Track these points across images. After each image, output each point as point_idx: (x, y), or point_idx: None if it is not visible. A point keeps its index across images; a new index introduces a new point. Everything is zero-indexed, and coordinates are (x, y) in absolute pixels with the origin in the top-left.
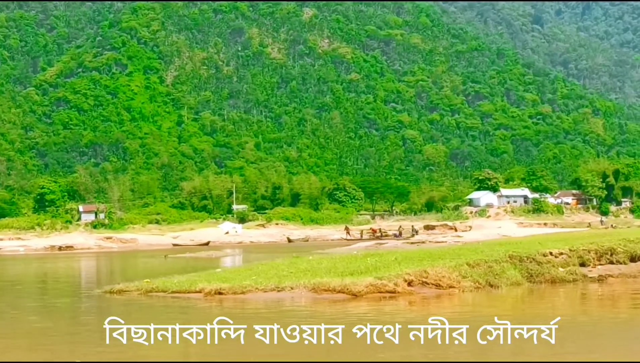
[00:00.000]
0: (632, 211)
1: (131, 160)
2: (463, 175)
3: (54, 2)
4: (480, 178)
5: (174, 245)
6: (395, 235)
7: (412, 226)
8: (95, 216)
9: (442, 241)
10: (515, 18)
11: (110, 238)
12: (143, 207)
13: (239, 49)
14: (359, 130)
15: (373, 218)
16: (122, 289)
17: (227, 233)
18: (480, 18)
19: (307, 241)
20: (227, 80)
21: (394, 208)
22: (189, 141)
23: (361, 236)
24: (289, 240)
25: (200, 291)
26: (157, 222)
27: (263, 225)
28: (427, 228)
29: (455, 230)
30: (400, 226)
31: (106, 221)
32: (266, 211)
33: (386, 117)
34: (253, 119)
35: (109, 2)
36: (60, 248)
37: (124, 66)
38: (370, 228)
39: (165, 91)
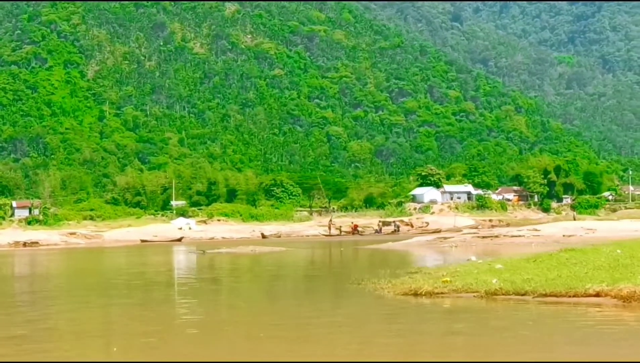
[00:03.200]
0: (573, 207)
1: (52, 156)
2: (388, 172)
3: None
4: (422, 174)
5: (143, 241)
6: (376, 231)
7: (394, 221)
8: (30, 212)
9: (518, 235)
10: (434, 15)
11: (74, 233)
12: (76, 203)
13: (161, 43)
14: (283, 126)
15: (311, 214)
16: (434, 291)
17: (180, 228)
18: (400, 15)
19: (280, 237)
20: (149, 75)
21: (331, 204)
22: (111, 137)
23: (339, 232)
24: (263, 236)
25: (600, 294)
26: (92, 218)
27: (204, 221)
28: (383, 224)
29: (412, 226)
30: (379, 222)
31: (40, 217)
32: (201, 207)
33: (310, 114)
34: (176, 114)
35: None
36: (25, 244)
37: (43, 60)
38: (353, 224)
39: (87, 85)
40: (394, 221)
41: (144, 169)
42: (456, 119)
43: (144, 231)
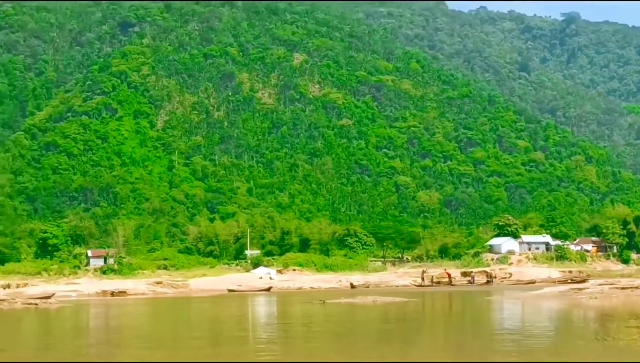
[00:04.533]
0: None
1: (122, 205)
2: (458, 222)
3: (43, 46)
4: (500, 224)
5: (230, 290)
6: (469, 282)
7: (488, 272)
8: (105, 261)
9: None
10: (502, 65)
11: (160, 282)
12: (149, 252)
13: (230, 93)
14: (351, 176)
15: (384, 264)
16: None
17: (261, 278)
18: (468, 65)
19: (368, 287)
20: (217, 125)
21: (404, 254)
22: (180, 186)
23: (431, 282)
24: (352, 286)
25: None
26: (166, 268)
27: (280, 271)
28: (464, 274)
29: (494, 277)
30: (472, 272)
31: (115, 266)
32: (274, 256)
33: (378, 163)
34: (244, 164)
35: (99, 45)
36: (112, 294)
37: (114, 110)
38: (446, 272)
39: (156, 135)
40: (472, 272)
41: (216, 218)
42: (526, 169)
43: (227, 280)
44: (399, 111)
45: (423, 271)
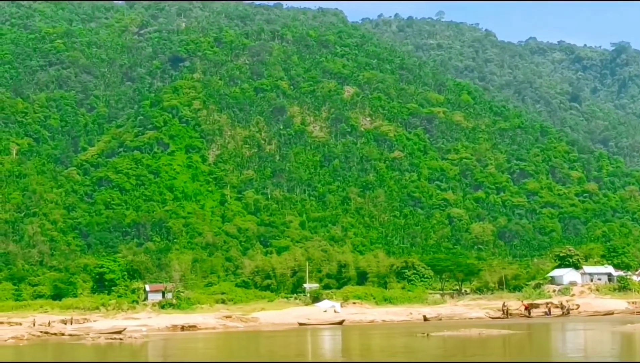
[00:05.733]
0: None
1: (175, 240)
2: (512, 254)
3: (94, 81)
4: (561, 254)
5: (301, 324)
6: (545, 313)
7: (565, 302)
8: (163, 296)
9: None
10: (552, 96)
11: (229, 316)
12: (206, 286)
13: (281, 127)
14: (403, 208)
15: (442, 296)
16: None
17: (325, 311)
18: (518, 96)
19: (441, 319)
20: (269, 158)
21: (462, 286)
22: (233, 221)
23: (506, 314)
24: (425, 319)
25: None
26: (223, 302)
27: (340, 305)
28: (532, 306)
29: (562, 308)
30: (548, 304)
31: (174, 300)
32: (332, 289)
33: (431, 196)
34: (297, 198)
35: (150, 80)
36: (182, 328)
37: (165, 145)
38: (524, 304)
39: (208, 169)
40: (547, 304)
41: (269, 252)
42: (579, 200)
43: (293, 313)
44: (450, 142)
45: (504, 304)
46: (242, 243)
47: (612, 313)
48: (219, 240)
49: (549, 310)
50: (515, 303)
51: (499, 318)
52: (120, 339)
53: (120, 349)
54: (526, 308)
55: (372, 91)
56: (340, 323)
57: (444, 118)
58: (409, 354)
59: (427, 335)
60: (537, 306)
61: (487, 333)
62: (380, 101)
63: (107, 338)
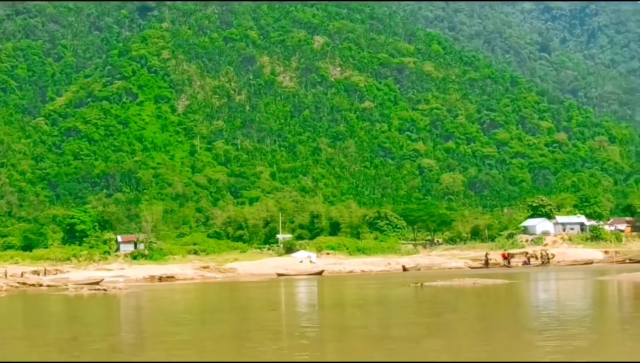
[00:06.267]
0: None
1: (144, 191)
2: (482, 204)
3: (61, 31)
4: (534, 204)
5: (279, 274)
6: (524, 263)
7: (544, 251)
8: (135, 247)
9: None
10: (522, 46)
11: (207, 267)
12: (178, 237)
13: (251, 77)
14: (374, 159)
15: (415, 247)
16: None
17: (301, 262)
18: (488, 46)
19: (420, 269)
20: (239, 109)
21: (435, 236)
22: (202, 171)
23: (486, 263)
24: (404, 268)
25: None
26: (196, 252)
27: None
28: (511, 256)
29: (542, 258)
30: (528, 253)
31: (146, 251)
32: (304, 240)
33: (401, 146)
34: (267, 148)
35: (117, 29)
36: (160, 279)
37: (134, 95)
38: (503, 254)
39: (177, 120)
40: (526, 253)
41: (239, 202)
42: (549, 150)
43: (271, 264)
44: (421, 93)
45: (486, 253)
46: (213, 194)
47: (592, 262)
48: (189, 190)
49: (529, 259)
50: (494, 253)
51: (478, 268)
52: (104, 290)
53: (108, 300)
54: (505, 258)
55: (342, 41)
56: (320, 273)
57: (414, 68)
58: (419, 305)
59: (422, 285)
60: (513, 256)
61: (481, 283)
62: (351, 51)
63: (90, 289)
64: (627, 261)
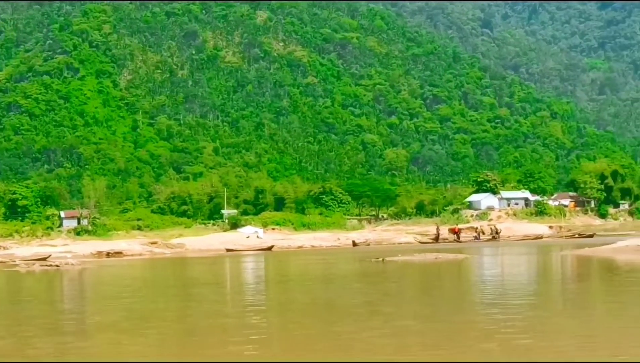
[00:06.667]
0: (631, 213)
1: (86, 166)
2: (425, 179)
3: (1, 4)
4: (478, 180)
5: (228, 250)
6: (475, 238)
7: (493, 226)
8: (78, 222)
9: None
10: (464, 22)
11: (155, 243)
12: (122, 213)
13: (193, 52)
14: (317, 134)
15: (360, 222)
16: None
17: (248, 237)
18: (431, 22)
19: (369, 244)
20: (182, 84)
21: (380, 212)
22: (145, 146)
23: (436, 238)
24: (354, 244)
25: None
26: (140, 228)
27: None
28: (452, 231)
29: (483, 233)
30: (478, 227)
31: (89, 227)
32: (249, 215)
33: (345, 122)
34: (210, 123)
35: (58, 3)
36: (108, 254)
37: (75, 70)
38: (454, 229)
39: (119, 95)
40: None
41: (189, 177)
42: (492, 126)
43: (218, 239)
44: (364, 68)
45: (437, 227)
46: (155, 169)
47: (542, 237)
48: (131, 166)
49: (479, 234)
50: (442, 228)
51: (428, 242)
52: (57, 266)
53: (63, 276)
54: (455, 233)
55: (285, 16)
56: (270, 249)
57: (357, 44)
58: (392, 283)
59: (383, 260)
60: (461, 230)
61: (443, 258)
62: (294, 26)
63: (42, 266)
64: (577, 236)
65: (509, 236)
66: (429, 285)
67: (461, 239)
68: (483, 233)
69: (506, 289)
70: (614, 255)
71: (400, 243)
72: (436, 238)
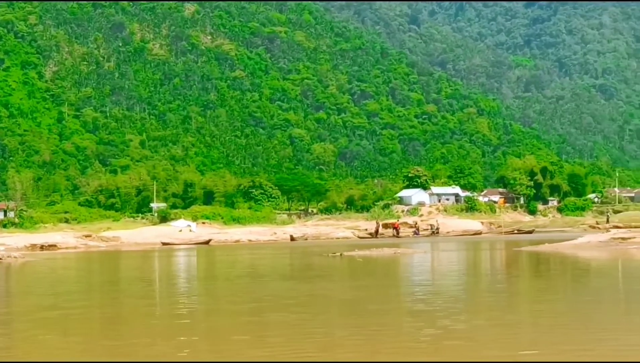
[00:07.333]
0: (559, 210)
1: (10, 158)
2: (353, 175)
3: None
4: (409, 175)
5: (164, 243)
6: (414, 233)
7: (435, 222)
8: (5, 215)
9: None
10: (392, 18)
11: (89, 236)
12: (49, 205)
13: (120, 44)
14: (245, 128)
15: (290, 216)
16: None
17: (180, 231)
18: (358, 17)
19: (307, 239)
20: (108, 76)
21: (310, 206)
22: (71, 139)
23: (376, 234)
24: (292, 238)
25: None
26: (67, 221)
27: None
28: (385, 226)
29: (431, 228)
30: (416, 223)
31: (16, 219)
32: (178, 209)
33: (272, 116)
34: (136, 116)
35: None
36: (42, 247)
37: (0, 61)
38: (394, 224)
39: (45, 86)
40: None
41: (117, 171)
42: (419, 122)
43: (152, 233)
44: (292, 63)
45: (377, 222)
46: (81, 162)
47: (481, 233)
48: (57, 158)
49: (417, 229)
50: (370, 224)
51: (366, 237)
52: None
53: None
54: (395, 228)
55: (213, 9)
56: (207, 242)
57: (285, 38)
58: (364, 279)
59: (341, 255)
60: (388, 226)
61: (401, 252)
62: (222, 20)
63: None
64: (516, 231)
65: (447, 232)
66: (408, 280)
67: (400, 234)
68: (430, 228)
69: (499, 284)
70: (577, 252)
71: (338, 238)
72: (375, 233)
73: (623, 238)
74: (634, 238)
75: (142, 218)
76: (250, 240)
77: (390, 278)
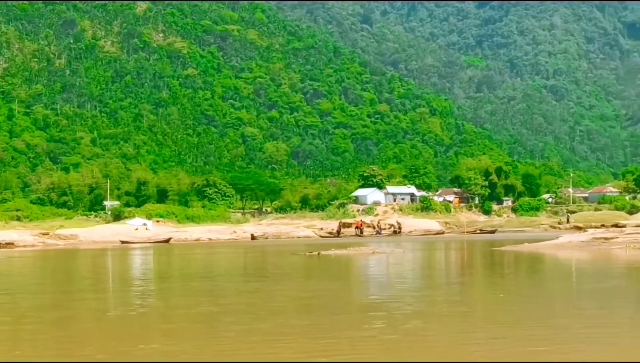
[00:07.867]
0: (514, 209)
1: None
2: (305, 174)
3: None
4: (365, 174)
5: (123, 242)
6: (377, 232)
7: (396, 222)
8: None
9: None
10: (344, 17)
11: (47, 233)
12: (0, 203)
13: (71, 41)
14: (197, 126)
15: (244, 215)
16: None
17: (136, 229)
18: (311, 16)
19: (267, 238)
20: (59, 73)
21: (264, 205)
22: (21, 136)
23: (338, 233)
24: (253, 237)
25: None
26: (19, 219)
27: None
28: (344, 225)
29: (393, 227)
30: (378, 222)
31: None
32: (131, 207)
33: (225, 114)
34: (88, 114)
35: None
36: (0, 245)
37: None
38: (360, 222)
39: None
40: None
41: (69, 169)
42: (371, 121)
43: (108, 231)
44: (245, 61)
45: (340, 222)
46: (31, 159)
47: (443, 233)
48: (7, 155)
49: (380, 229)
50: (334, 223)
51: (328, 237)
52: None
53: None
54: (357, 227)
55: (165, 7)
56: (167, 241)
57: (238, 36)
58: (352, 279)
59: (319, 254)
60: (349, 225)
61: (379, 251)
62: (174, 17)
63: None
64: (478, 231)
65: (410, 232)
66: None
67: (364, 234)
68: (393, 227)
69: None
70: (557, 252)
71: (300, 237)
72: (338, 233)
73: (605, 238)
74: (616, 238)
75: (96, 216)
76: (210, 239)
77: (400, 276)
